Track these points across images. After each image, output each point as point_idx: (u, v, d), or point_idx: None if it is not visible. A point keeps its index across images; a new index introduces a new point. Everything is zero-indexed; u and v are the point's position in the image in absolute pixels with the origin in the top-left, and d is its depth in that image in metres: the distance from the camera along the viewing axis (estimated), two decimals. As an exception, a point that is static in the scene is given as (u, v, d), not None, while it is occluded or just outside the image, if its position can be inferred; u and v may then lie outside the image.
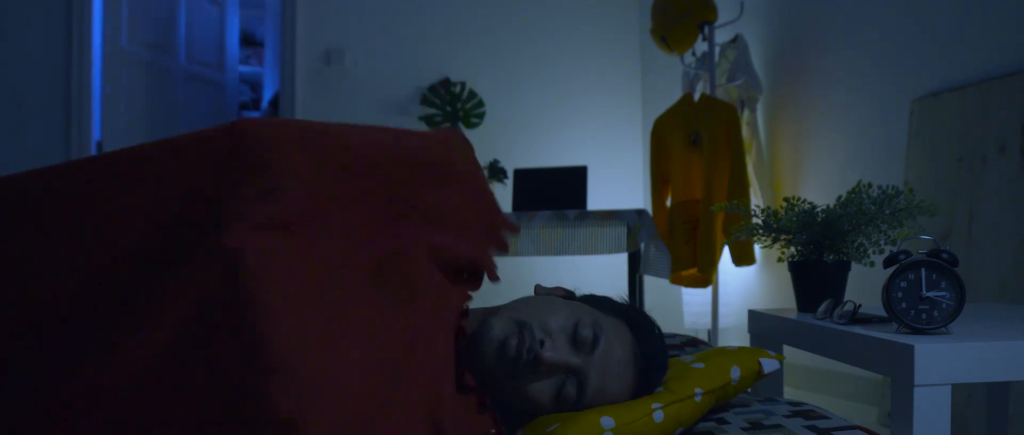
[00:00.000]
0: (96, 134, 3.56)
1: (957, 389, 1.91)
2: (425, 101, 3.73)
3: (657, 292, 3.60)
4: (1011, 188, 1.98)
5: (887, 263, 1.08)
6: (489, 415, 0.86)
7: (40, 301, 0.68)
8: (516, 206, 3.10)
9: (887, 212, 1.28)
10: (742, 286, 3.22)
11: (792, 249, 1.38)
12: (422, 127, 3.74)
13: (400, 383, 0.75)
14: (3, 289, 0.68)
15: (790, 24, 3.09)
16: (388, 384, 0.74)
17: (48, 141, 3.45)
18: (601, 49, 4.19)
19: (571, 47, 4.12)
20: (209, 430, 0.63)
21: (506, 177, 3.47)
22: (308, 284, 0.70)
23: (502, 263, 0.98)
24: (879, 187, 1.30)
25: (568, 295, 1.03)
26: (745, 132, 3.03)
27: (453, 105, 3.68)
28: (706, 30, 3.00)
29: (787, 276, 1.44)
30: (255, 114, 5.87)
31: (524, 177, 3.16)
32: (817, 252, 1.34)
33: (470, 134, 3.72)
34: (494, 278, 0.93)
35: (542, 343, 0.86)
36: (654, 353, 0.95)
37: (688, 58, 3.23)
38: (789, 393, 2.66)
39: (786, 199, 1.38)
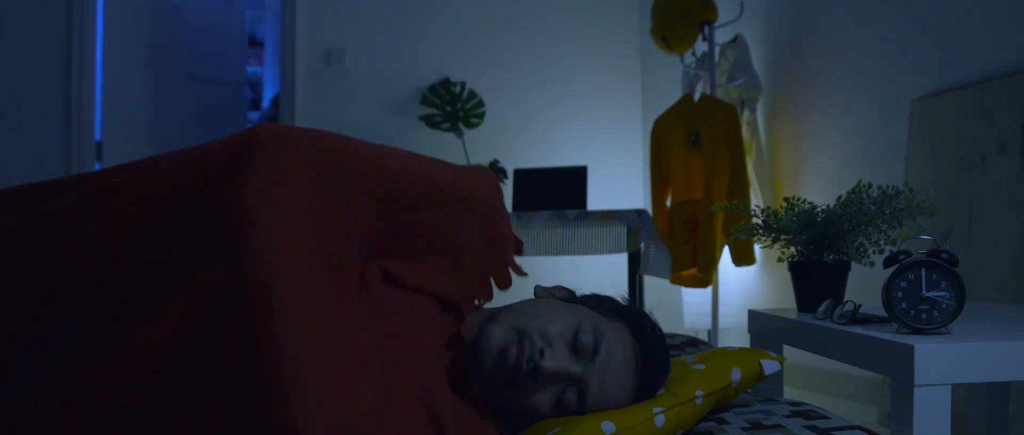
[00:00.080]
0: (96, 134, 3.56)
1: (957, 389, 1.91)
2: (425, 101, 3.73)
3: (657, 292, 3.60)
4: (1011, 188, 1.98)
5: (887, 263, 1.09)
6: (491, 422, 0.86)
7: (40, 300, 0.68)
8: (516, 206, 3.10)
9: (887, 212, 1.29)
10: (742, 286, 3.22)
11: (792, 249, 1.38)
12: (421, 126, 3.74)
13: (393, 386, 0.76)
14: (3, 289, 0.68)
15: (790, 24, 3.09)
16: (383, 387, 0.74)
17: (48, 141, 3.45)
18: (601, 49, 4.19)
19: (571, 47, 4.12)
20: (209, 429, 0.63)
21: (506, 177, 3.47)
22: (310, 288, 0.71)
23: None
24: (879, 187, 1.30)
25: (569, 295, 1.03)
26: (745, 132, 3.03)
27: (453, 105, 3.68)
28: (706, 30, 3.00)
29: (787, 276, 1.44)
30: (255, 114, 5.87)
31: (524, 177, 3.16)
32: (817, 252, 1.34)
33: (470, 134, 3.72)
34: (469, 308, 0.94)
35: (542, 352, 0.85)
36: (655, 357, 0.93)
37: (688, 58, 3.23)
38: (789, 393, 2.66)
39: (786, 199, 1.38)
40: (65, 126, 3.46)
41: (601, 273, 3.48)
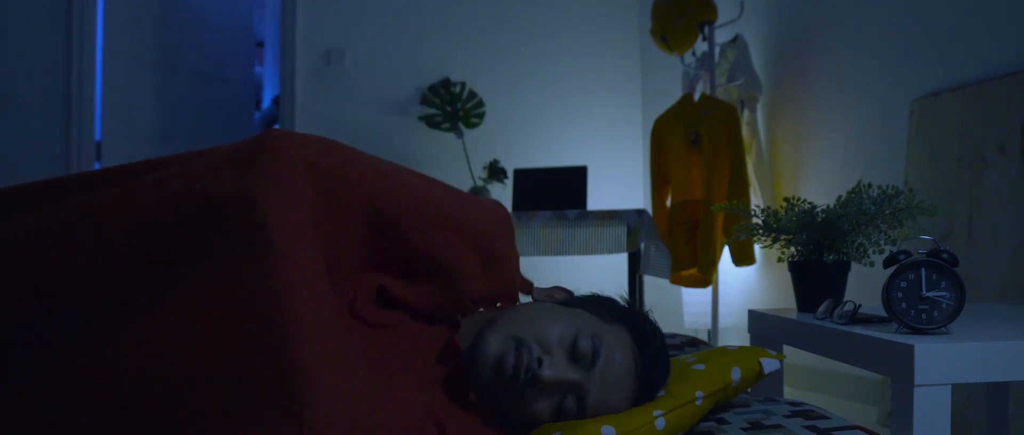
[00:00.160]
0: (96, 134, 3.56)
1: (957, 389, 1.91)
2: (425, 101, 3.73)
3: (657, 292, 3.60)
4: (1011, 188, 1.98)
5: (887, 263, 1.08)
6: (492, 429, 0.86)
7: (40, 300, 0.68)
8: (516, 206, 3.10)
9: (887, 212, 1.28)
10: (742, 286, 3.22)
11: (792, 249, 1.38)
12: (421, 126, 3.74)
13: (398, 395, 0.76)
14: (3, 289, 0.68)
15: (790, 24, 3.09)
16: (389, 396, 0.74)
17: (48, 141, 3.45)
18: (601, 49, 4.19)
19: (571, 47, 4.12)
20: (217, 430, 0.62)
21: (506, 177, 3.47)
22: (320, 294, 0.71)
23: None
24: (879, 187, 1.30)
25: (567, 296, 1.02)
26: (745, 132, 3.03)
27: (453, 105, 3.68)
28: (706, 30, 3.00)
29: (787, 276, 1.44)
30: (256, 114, 5.87)
31: (524, 177, 3.16)
32: (817, 252, 1.34)
33: (470, 134, 3.72)
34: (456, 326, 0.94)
35: (540, 361, 0.84)
36: (655, 360, 0.93)
37: (688, 58, 3.23)
38: (789, 393, 2.66)
39: (786, 199, 1.38)
40: (65, 126, 3.46)
41: (601, 273, 3.48)
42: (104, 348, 0.65)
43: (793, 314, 1.36)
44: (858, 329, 1.10)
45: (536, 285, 1.04)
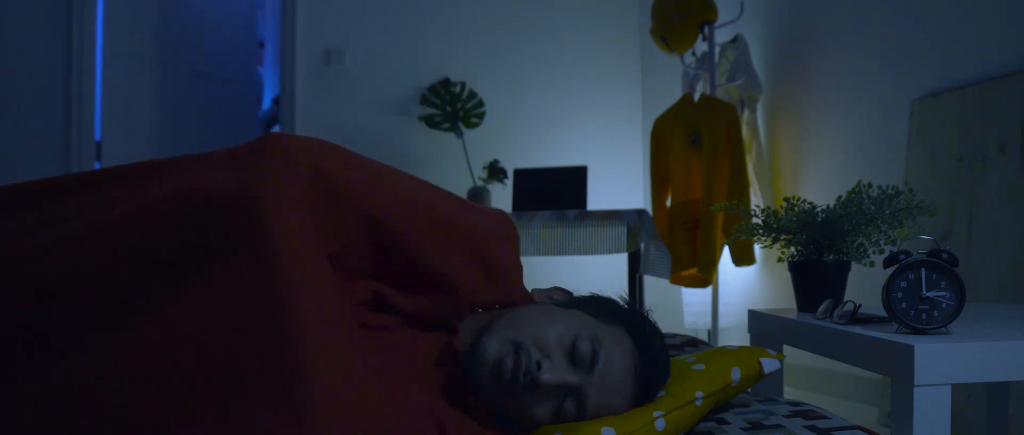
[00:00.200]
0: (96, 134, 3.56)
1: (957, 389, 1.91)
2: (425, 101, 3.73)
3: (657, 292, 3.60)
4: (1011, 188, 1.98)
5: (887, 263, 1.08)
6: (491, 431, 0.86)
7: (40, 300, 0.68)
8: (516, 206, 3.10)
9: (887, 212, 1.28)
10: (742, 286, 3.22)
11: (792, 249, 1.38)
12: (421, 126, 3.74)
13: (400, 398, 0.76)
14: (3, 289, 0.68)
15: (790, 24, 3.09)
16: (391, 399, 0.74)
17: (48, 141, 3.45)
18: (601, 49, 4.19)
19: (571, 47, 4.12)
20: (217, 430, 0.62)
21: (506, 177, 3.47)
22: (325, 294, 0.71)
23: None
24: (879, 187, 1.30)
25: (567, 297, 1.02)
26: (745, 132, 3.03)
27: (453, 105, 3.68)
28: (706, 30, 3.00)
29: (787, 276, 1.44)
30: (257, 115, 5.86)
31: (524, 177, 3.16)
32: (817, 252, 1.34)
33: (470, 134, 3.72)
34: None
35: (539, 364, 0.84)
36: (655, 362, 0.92)
37: (688, 58, 3.23)
38: (789, 393, 2.66)
39: (786, 199, 1.38)
40: (65, 126, 3.46)
41: (601, 273, 3.48)
42: (104, 348, 0.65)
43: (793, 314, 1.36)
44: (858, 329, 1.10)
45: (534, 287, 1.04)
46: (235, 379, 0.63)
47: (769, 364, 1.05)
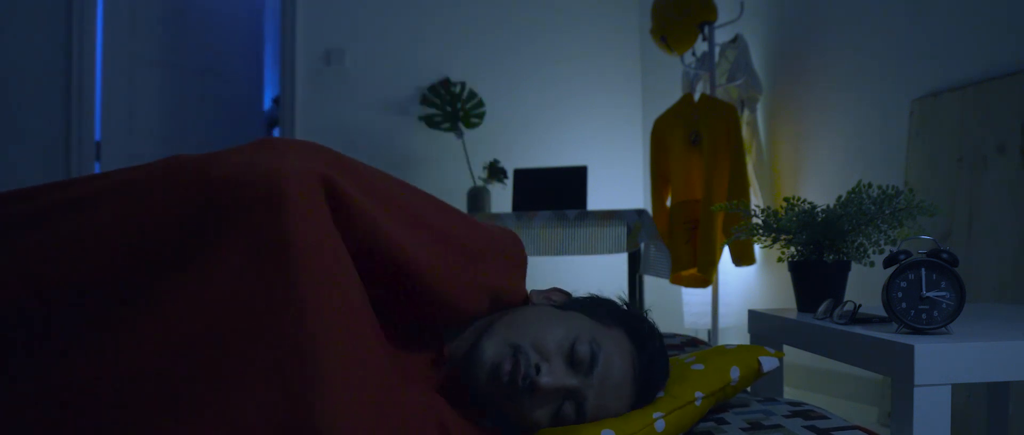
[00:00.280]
0: (96, 134, 3.56)
1: (957, 389, 1.91)
2: (425, 101, 3.73)
3: (657, 292, 3.60)
4: (1011, 188, 1.98)
5: (887, 263, 1.08)
6: (490, 432, 0.86)
7: (40, 300, 0.68)
8: (516, 206, 3.10)
9: (887, 212, 1.28)
10: (742, 286, 3.22)
11: (792, 249, 1.38)
12: (421, 126, 3.74)
13: (404, 396, 0.76)
14: (3, 289, 0.68)
15: (790, 24, 3.09)
16: (400, 399, 0.74)
17: (48, 141, 3.46)
18: (601, 49, 4.19)
19: (571, 47, 4.12)
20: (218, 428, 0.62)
21: (506, 177, 3.47)
22: (338, 286, 0.70)
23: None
24: (879, 187, 1.30)
25: (565, 298, 1.01)
26: (745, 132, 3.03)
27: (453, 105, 3.68)
28: (706, 30, 3.00)
29: (787, 276, 1.44)
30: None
31: (524, 177, 3.16)
32: (817, 252, 1.34)
33: (470, 134, 3.72)
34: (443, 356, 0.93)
35: (538, 368, 0.83)
36: (654, 365, 0.92)
37: (688, 58, 3.23)
38: (789, 393, 2.66)
39: (786, 199, 1.38)
40: (65, 126, 3.46)
41: (601, 273, 3.48)
42: (104, 348, 0.65)
43: (793, 314, 1.36)
44: (858, 329, 1.10)
45: (533, 289, 1.03)
46: (239, 377, 0.63)
47: (768, 362, 1.05)
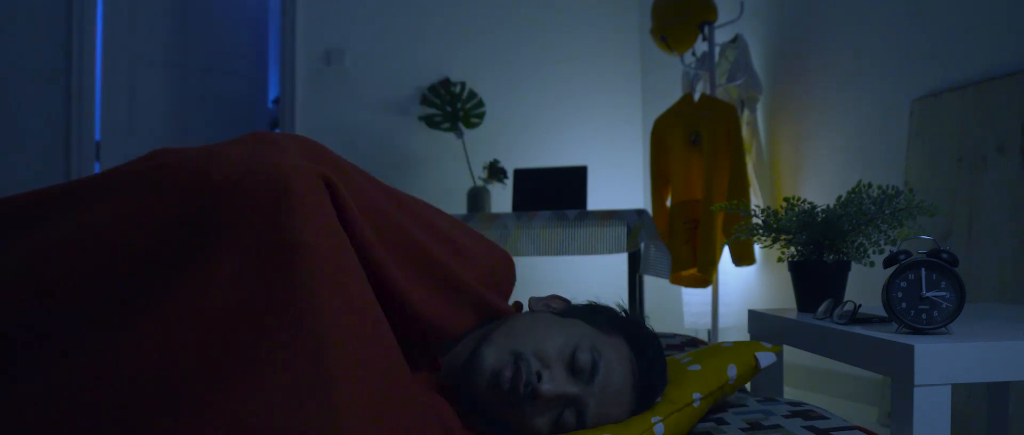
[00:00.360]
0: (96, 134, 3.56)
1: (957, 389, 1.91)
2: (425, 101, 3.73)
3: (657, 292, 3.60)
4: (1011, 188, 1.98)
5: (887, 263, 1.08)
6: None
7: (40, 300, 0.68)
8: (516, 206, 3.10)
9: (887, 212, 1.28)
10: (742, 286, 3.22)
11: (792, 249, 1.38)
12: (421, 126, 3.74)
13: (402, 390, 0.75)
14: (3, 289, 0.68)
15: (790, 24, 3.09)
16: (397, 393, 0.74)
17: (48, 141, 3.45)
18: (601, 49, 4.19)
19: (571, 47, 4.12)
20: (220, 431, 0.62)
21: (506, 177, 3.47)
22: (348, 286, 0.70)
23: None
24: (879, 187, 1.30)
25: (565, 305, 1.01)
26: (745, 132, 3.03)
27: (453, 105, 3.68)
28: (706, 30, 3.00)
29: (787, 276, 1.44)
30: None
31: (524, 177, 3.16)
32: (817, 252, 1.34)
33: (470, 134, 3.72)
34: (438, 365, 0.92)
35: (539, 376, 0.83)
36: (653, 372, 0.92)
37: (688, 58, 3.23)
38: (789, 393, 2.65)
39: (786, 199, 1.38)
40: (65, 126, 3.46)
41: (601, 273, 3.48)
42: (104, 348, 0.65)
43: (793, 314, 1.36)
44: (858, 329, 1.10)
45: (532, 296, 1.03)
46: (241, 377, 0.62)
47: (765, 358, 1.05)
